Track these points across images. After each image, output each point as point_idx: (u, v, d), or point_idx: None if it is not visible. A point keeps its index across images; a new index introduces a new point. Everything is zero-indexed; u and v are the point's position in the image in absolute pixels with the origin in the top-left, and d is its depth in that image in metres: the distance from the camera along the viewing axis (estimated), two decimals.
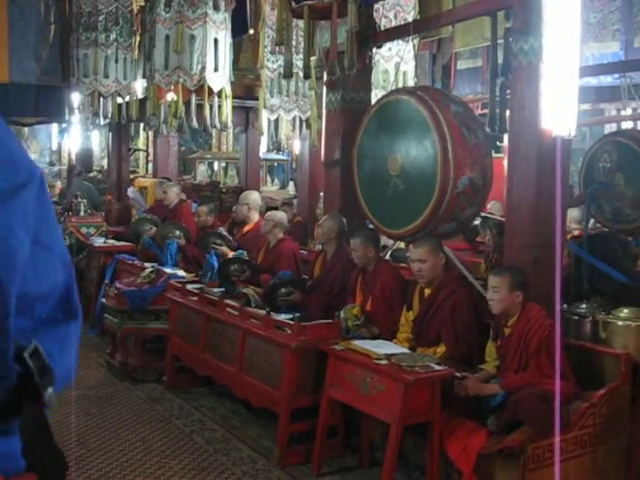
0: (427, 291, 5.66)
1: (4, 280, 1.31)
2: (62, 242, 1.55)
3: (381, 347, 5.24)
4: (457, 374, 4.95)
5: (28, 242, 1.37)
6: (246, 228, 8.64)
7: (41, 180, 1.43)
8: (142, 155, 19.81)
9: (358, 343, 5.35)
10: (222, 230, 8.89)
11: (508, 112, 5.64)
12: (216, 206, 10.65)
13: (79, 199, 11.86)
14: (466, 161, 5.55)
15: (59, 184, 19.61)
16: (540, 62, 5.07)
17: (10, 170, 1.36)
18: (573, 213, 7.89)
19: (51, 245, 1.48)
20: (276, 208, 10.20)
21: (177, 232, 9.23)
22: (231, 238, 8.79)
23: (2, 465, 1.42)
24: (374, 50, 7.15)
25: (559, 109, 5.09)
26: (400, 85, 7.86)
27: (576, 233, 7.70)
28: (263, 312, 6.17)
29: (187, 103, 8.34)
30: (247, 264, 7.27)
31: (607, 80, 9.14)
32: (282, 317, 6.03)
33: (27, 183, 1.37)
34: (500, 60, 6.02)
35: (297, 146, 13.51)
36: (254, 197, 8.88)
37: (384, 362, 4.95)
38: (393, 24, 7.74)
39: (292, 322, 5.74)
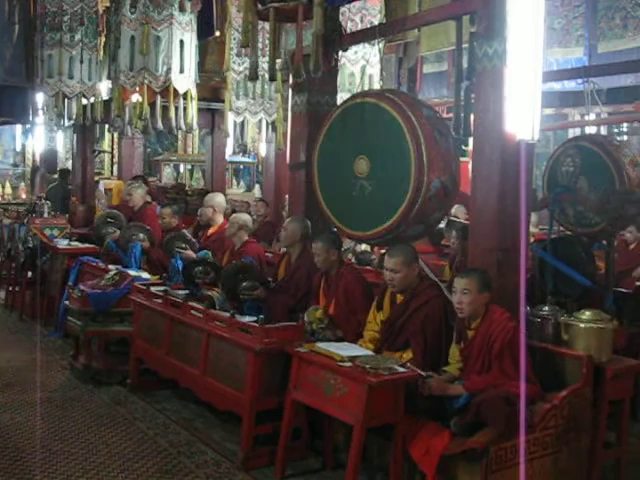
0: (399, 297, 5.67)
1: None
2: None
3: (345, 349, 5.25)
4: (421, 373, 4.97)
5: None
6: (211, 231, 8.63)
7: None
8: (107, 157, 19.68)
9: (322, 345, 5.35)
10: (186, 233, 8.85)
11: (473, 116, 5.67)
12: (180, 208, 10.60)
13: (43, 200, 11.77)
14: (439, 164, 5.58)
15: (23, 185, 19.46)
16: (504, 66, 5.11)
17: None
18: (531, 216, 7.95)
19: None
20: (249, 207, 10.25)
21: (141, 235, 9.17)
22: (195, 241, 8.76)
23: None
24: (340, 53, 7.16)
25: (523, 113, 5.13)
26: (366, 88, 7.88)
27: (535, 235, 7.76)
28: (227, 314, 6.15)
29: (152, 105, 8.31)
30: (211, 266, 7.24)
31: (571, 85, 9.23)
32: (246, 319, 6.02)
33: None
34: (465, 64, 6.06)
35: (263, 149, 13.51)
36: (219, 200, 8.86)
37: (348, 364, 4.96)
38: (359, 27, 7.77)
39: (256, 324, 5.72)
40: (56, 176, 16.09)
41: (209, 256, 7.59)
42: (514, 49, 5.12)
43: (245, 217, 7.86)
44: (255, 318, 5.89)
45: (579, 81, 7.01)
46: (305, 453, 5.77)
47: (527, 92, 5.13)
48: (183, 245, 8.34)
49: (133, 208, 10.18)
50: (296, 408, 5.47)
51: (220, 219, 8.60)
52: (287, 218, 7.34)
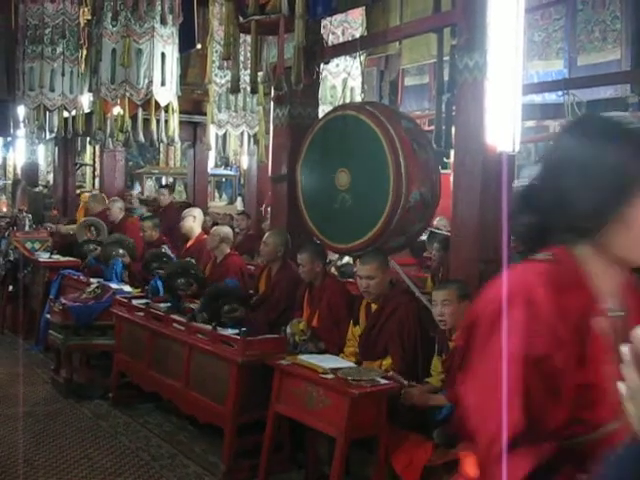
0: (374, 306, 5.67)
1: None
2: None
3: (327, 361, 5.24)
4: (404, 382, 4.97)
5: None
6: (189, 243, 8.61)
7: None
8: (89, 170, 19.63)
9: (304, 358, 5.35)
10: (167, 248, 8.83)
11: (454, 128, 5.69)
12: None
13: (24, 213, 11.72)
14: (418, 176, 5.60)
15: (4, 198, 19.35)
16: (485, 79, 5.14)
17: None
18: None
19: None
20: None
21: (121, 251, 9.13)
22: (174, 256, 8.77)
23: None
24: (321, 66, 7.18)
25: (504, 125, 5.16)
26: (347, 101, 7.91)
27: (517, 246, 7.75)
28: (209, 327, 6.14)
29: (134, 117, 8.31)
30: (194, 277, 7.22)
31: (551, 97, 9.28)
32: (228, 332, 6.01)
33: None
34: (446, 77, 6.09)
35: (245, 161, 13.52)
36: (196, 212, 8.87)
37: (330, 376, 4.95)
38: (341, 40, 7.79)
39: (238, 337, 5.71)
40: (32, 189, 16.06)
41: (192, 262, 7.52)
42: (495, 61, 5.15)
43: (226, 230, 7.86)
44: (237, 331, 5.88)
45: (559, 93, 7.07)
46: (287, 466, 5.76)
47: (508, 104, 5.15)
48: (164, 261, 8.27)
49: (113, 222, 10.20)
50: (278, 421, 5.46)
51: (198, 231, 8.60)
52: (267, 232, 7.34)
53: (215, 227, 7.93)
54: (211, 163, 16.17)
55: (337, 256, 7.32)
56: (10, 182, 19.82)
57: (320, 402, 4.96)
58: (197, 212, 8.80)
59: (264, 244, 6.84)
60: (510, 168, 5.28)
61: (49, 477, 5.63)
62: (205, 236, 8.28)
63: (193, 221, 8.61)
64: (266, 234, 7.01)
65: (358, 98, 7.93)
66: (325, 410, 4.91)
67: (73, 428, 6.75)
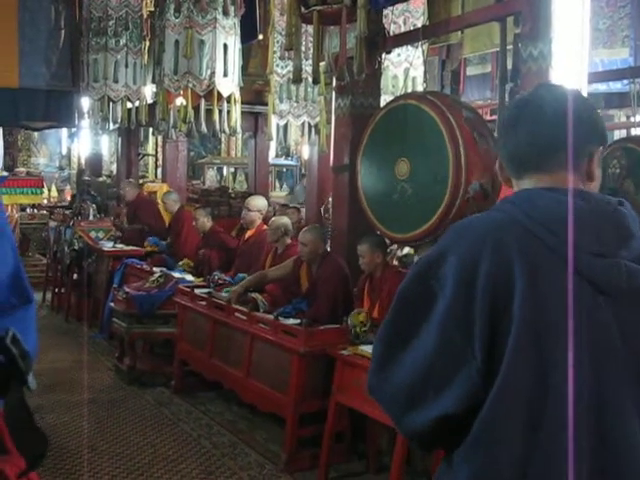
0: None
1: None
2: (8, 227, 1.58)
3: None
4: None
5: None
6: (248, 234, 8.61)
7: None
8: (151, 160, 19.85)
9: (365, 348, 5.33)
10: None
11: None
12: (220, 211, 10.76)
13: (88, 203, 11.90)
14: (477, 166, 5.53)
15: (68, 188, 19.68)
16: (549, 67, 5.06)
17: None
18: None
19: (4, 231, 1.51)
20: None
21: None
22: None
23: None
24: (383, 56, 7.13)
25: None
26: (409, 90, 7.85)
27: None
28: (271, 317, 6.17)
29: (196, 108, 8.34)
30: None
31: (616, 86, 9.13)
32: (290, 322, 6.03)
33: None
34: (509, 66, 6.02)
35: (306, 151, 13.51)
36: (264, 203, 8.85)
37: None
38: (402, 30, 7.73)
39: (300, 327, 5.73)
40: (96, 179, 16.30)
41: (245, 277, 7.50)
42: (559, 50, 5.07)
43: (286, 221, 7.82)
44: (299, 321, 5.90)
45: (625, 82, 6.93)
46: (348, 456, 5.77)
47: None
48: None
49: (171, 214, 10.38)
50: (339, 411, 5.47)
51: (259, 222, 8.60)
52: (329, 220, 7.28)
53: (273, 219, 7.90)
54: (272, 153, 16.20)
55: (397, 246, 7.28)
56: (75, 172, 20.13)
57: None
58: (264, 206, 8.77)
59: (302, 245, 6.71)
60: None
61: (113, 463, 5.72)
62: (265, 227, 8.28)
63: (259, 215, 8.58)
64: (300, 234, 6.89)
65: (420, 88, 7.87)
66: None
67: (136, 415, 6.85)
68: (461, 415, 1.65)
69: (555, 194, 1.74)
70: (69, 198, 18.03)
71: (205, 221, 9.15)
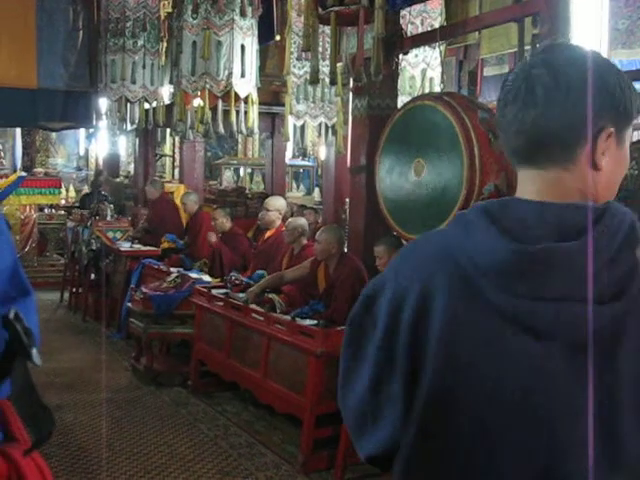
0: None
1: None
2: (6, 225, 1.62)
3: None
4: None
5: None
6: (268, 234, 8.62)
7: None
8: (168, 160, 19.90)
9: None
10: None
11: None
12: (237, 212, 10.76)
13: (105, 203, 11.94)
14: (492, 167, 5.51)
15: (86, 189, 19.75)
16: None
17: None
18: None
19: (2, 228, 1.54)
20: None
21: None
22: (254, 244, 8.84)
23: None
24: (400, 56, 7.13)
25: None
26: (427, 91, 7.84)
27: None
28: (288, 318, 6.17)
29: (214, 109, 8.36)
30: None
31: (636, 86, 9.06)
32: (307, 323, 6.03)
33: None
34: None
35: (323, 152, 13.51)
36: (282, 203, 8.85)
37: None
38: (419, 30, 7.72)
39: (317, 328, 5.73)
40: (113, 179, 16.35)
41: (264, 275, 7.52)
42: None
43: (302, 221, 7.83)
44: (316, 322, 5.90)
45: None
46: None
47: None
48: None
49: (189, 215, 10.39)
50: None
51: (279, 223, 8.61)
52: (347, 221, 7.28)
53: (290, 220, 7.91)
54: (289, 154, 16.21)
55: None
56: (92, 173, 20.21)
57: None
58: (282, 204, 8.77)
59: (316, 242, 6.74)
60: None
61: (130, 462, 5.74)
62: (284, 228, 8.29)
63: (278, 215, 8.58)
64: (318, 232, 6.93)
65: (437, 89, 7.86)
66: None
67: (153, 415, 6.87)
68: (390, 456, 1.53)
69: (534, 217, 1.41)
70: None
71: (224, 221, 9.15)
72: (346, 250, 7.02)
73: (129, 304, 8.44)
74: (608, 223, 1.36)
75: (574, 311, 1.33)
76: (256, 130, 8.87)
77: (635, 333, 1.35)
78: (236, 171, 20.60)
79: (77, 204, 16.19)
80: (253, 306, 6.74)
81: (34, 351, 1.47)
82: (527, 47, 5.98)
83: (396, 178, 6.16)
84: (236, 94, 8.18)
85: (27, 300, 1.58)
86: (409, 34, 7.20)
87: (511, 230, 1.39)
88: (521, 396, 1.37)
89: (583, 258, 1.33)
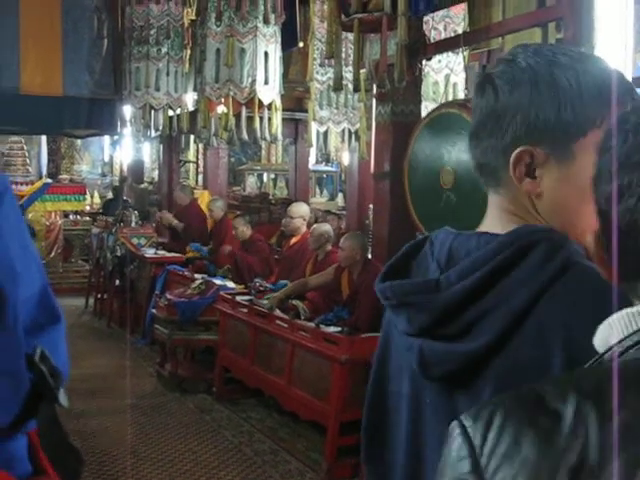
0: None
1: (8, 294, 1.34)
2: (33, 243, 1.59)
3: None
4: None
5: (19, 252, 1.40)
6: (293, 240, 8.61)
7: (10, 187, 1.47)
8: (192, 167, 19.97)
9: None
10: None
11: None
12: (261, 218, 10.77)
13: (130, 210, 12.00)
14: None
15: (111, 195, 19.87)
16: None
17: None
18: None
19: (30, 249, 1.52)
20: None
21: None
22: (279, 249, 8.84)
23: (14, 468, 1.46)
24: (424, 62, 7.12)
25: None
26: (450, 97, 7.82)
27: None
28: (312, 325, 6.17)
29: (237, 116, 8.39)
30: None
31: None
32: (331, 330, 6.03)
33: (4, 192, 1.40)
34: None
35: (346, 158, 13.50)
36: (306, 210, 8.85)
37: None
38: (443, 36, 7.71)
39: (341, 335, 5.73)
40: (138, 186, 16.44)
41: (287, 284, 7.52)
42: (602, 55, 5.02)
43: (327, 228, 7.83)
44: (340, 329, 5.90)
45: None
46: None
47: None
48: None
49: (214, 221, 10.42)
50: None
51: (304, 229, 8.60)
52: (370, 226, 7.26)
53: (315, 227, 7.90)
54: (312, 159, 16.21)
55: None
56: (117, 179, 20.32)
57: None
58: (306, 211, 8.77)
59: (340, 249, 6.73)
60: None
61: (155, 469, 5.76)
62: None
63: (303, 222, 8.57)
64: (342, 239, 6.92)
65: (461, 94, 7.83)
66: None
67: (177, 421, 6.89)
68: None
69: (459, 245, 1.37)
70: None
71: (244, 229, 9.14)
72: (370, 256, 7.00)
73: (154, 310, 8.47)
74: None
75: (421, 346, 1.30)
76: (280, 137, 8.88)
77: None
78: (259, 177, 20.63)
79: (101, 210, 16.29)
80: (277, 313, 6.75)
81: (61, 393, 1.46)
82: None
83: (425, 186, 6.14)
84: (260, 101, 8.19)
85: (56, 328, 1.56)
86: (432, 40, 7.19)
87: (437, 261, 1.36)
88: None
89: (429, 294, 1.29)
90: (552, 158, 1.26)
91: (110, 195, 18.68)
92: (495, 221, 1.36)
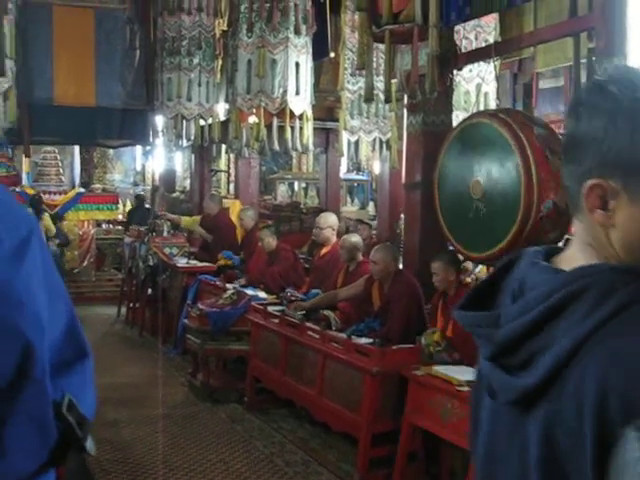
0: None
1: (37, 346, 1.33)
2: (59, 278, 1.57)
3: (463, 373, 5.17)
4: None
5: (45, 298, 1.39)
6: (324, 250, 8.59)
7: (37, 225, 1.45)
8: (224, 176, 20.04)
9: (439, 369, 5.30)
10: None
11: None
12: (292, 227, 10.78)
13: (162, 220, 12.06)
14: (550, 184, 5.45)
15: (131, 204, 20.00)
16: None
17: (13, 227, 1.37)
18: None
19: (56, 287, 1.51)
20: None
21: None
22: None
23: None
24: (455, 72, 7.10)
25: None
26: (481, 106, 7.80)
27: None
28: (344, 336, 6.17)
29: (269, 126, 8.41)
30: None
31: None
32: (363, 341, 6.02)
33: (30, 236, 1.38)
34: (583, 80, 5.93)
35: (377, 167, 13.49)
36: (335, 220, 8.83)
37: (466, 388, 4.89)
38: (474, 45, 7.70)
39: (373, 347, 5.72)
40: (170, 195, 16.53)
41: (319, 293, 7.52)
42: (635, 65, 4.98)
43: (356, 239, 7.76)
44: (371, 340, 5.89)
45: None
46: (421, 477, 5.72)
47: None
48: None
49: (245, 230, 10.42)
50: (412, 431, 5.44)
51: (334, 240, 8.59)
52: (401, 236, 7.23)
53: (344, 237, 7.87)
54: (343, 168, 16.22)
55: (473, 265, 7.21)
56: (149, 188, 20.44)
57: (455, 415, 4.91)
58: (335, 222, 8.73)
59: (373, 263, 6.66)
60: None
61: (186, 479, 5.77)
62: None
63: (332, 232, 8.55)
64: (372, 253, 6.84)
65: (492, 103, 7.82)
66: (460, 423, 4.85)
67: (209, 431, 6.90)
68: None
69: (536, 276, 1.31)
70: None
71: (270, 241, 9.09)
72: (401, 267, 6.99)
73: (185, 320, 8.50)
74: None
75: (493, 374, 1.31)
76: (311, 147, 8.90)
77: None
78: (290, 186, 20.65)
79: (125, 220, 16.41)
80: (309, 324, 6.75)
81: (88, 441, 1.46)
82: (582, 60, 5.92)
83: (455, 196, 6.12)
84: (291, 111, 8.22)
85: (84, 365, 1.54)
86: (463, 49, 7.17)
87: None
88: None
89: (490, 327, 1.29)
90: (625, 192, 1.22)
91: (132, 204, 18.81)
92: (574, 249, 1.32)
